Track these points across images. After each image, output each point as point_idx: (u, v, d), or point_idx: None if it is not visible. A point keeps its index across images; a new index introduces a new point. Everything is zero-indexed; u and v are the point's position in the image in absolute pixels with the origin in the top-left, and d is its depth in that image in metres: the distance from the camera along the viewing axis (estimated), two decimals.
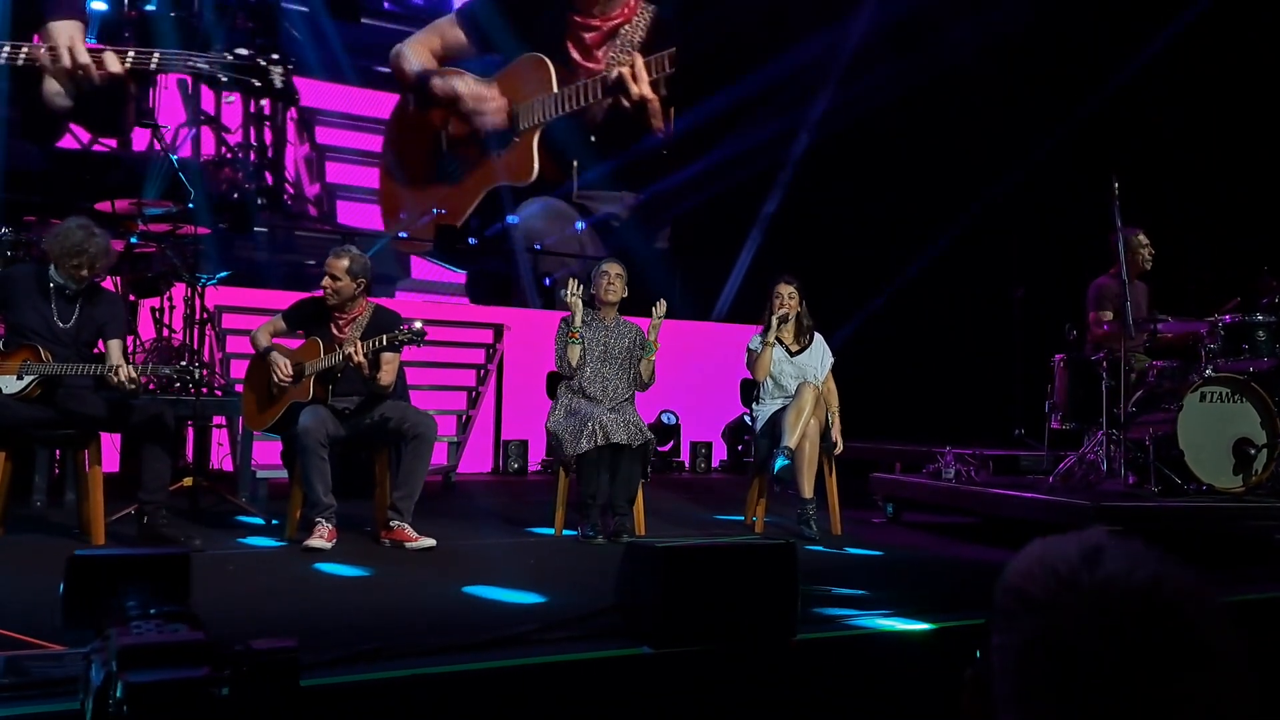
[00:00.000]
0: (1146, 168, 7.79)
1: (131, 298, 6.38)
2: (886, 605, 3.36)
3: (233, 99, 9.61)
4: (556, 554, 4.69)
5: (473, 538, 5.10)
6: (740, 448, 9.27)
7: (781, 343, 5.51)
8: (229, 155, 9.75)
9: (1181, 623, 0.76)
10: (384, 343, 4.51)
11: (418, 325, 4.54)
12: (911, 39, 10.27)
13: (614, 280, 5.31)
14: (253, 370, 4.91)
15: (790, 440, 5.11)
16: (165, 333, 6.47)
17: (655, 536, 4.98)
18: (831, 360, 5.61)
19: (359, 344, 4.51)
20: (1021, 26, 9.36)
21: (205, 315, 6.56)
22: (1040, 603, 0.79)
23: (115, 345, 4.55)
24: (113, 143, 9.16)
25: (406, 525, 4.55)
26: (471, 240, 10.17)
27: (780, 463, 5.10)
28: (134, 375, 4.31)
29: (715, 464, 9.48)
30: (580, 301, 5.17)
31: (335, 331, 4.77)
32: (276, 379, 4.63)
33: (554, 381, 5.33)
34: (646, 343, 5.24)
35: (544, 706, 2.60)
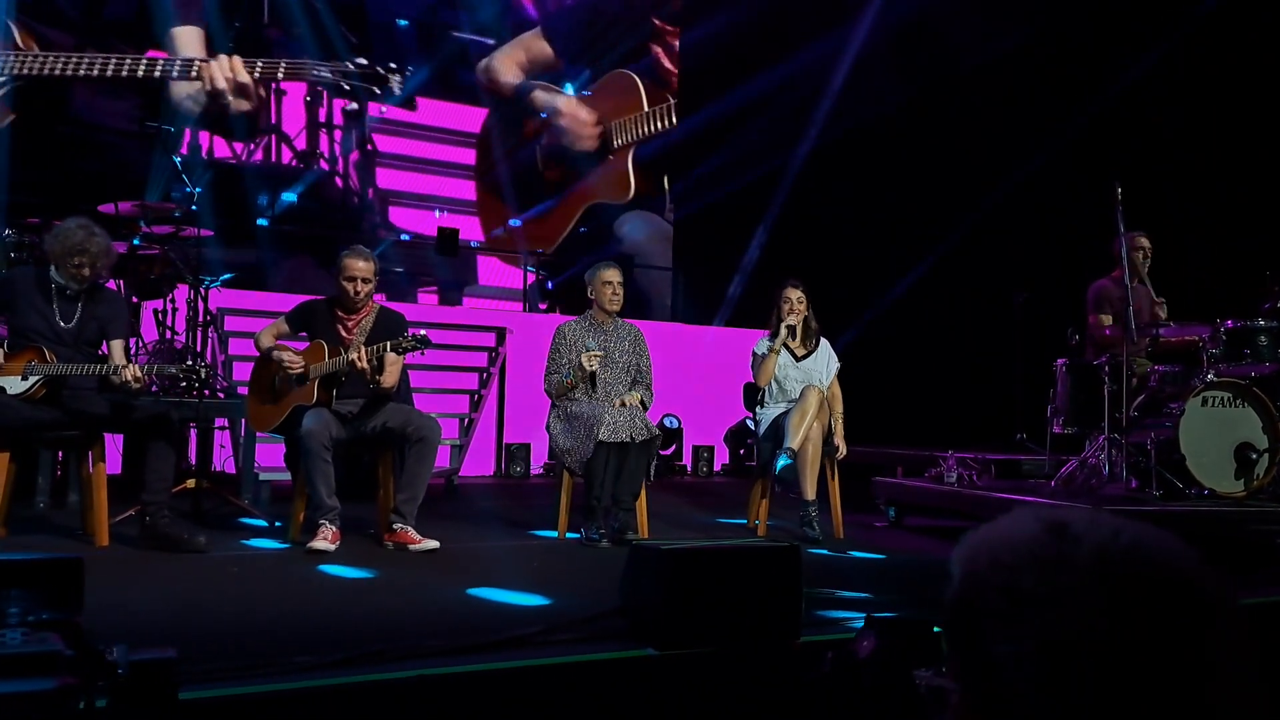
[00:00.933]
0: (1148, 172, 7.80)
1: (134, 299, 6.39)
2: (889, 608, 3.37)
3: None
4: (560, 556, 4.70)
5: (476, 540, 5.11)
6: (742, 451, 9.28)
7: (788, 347, 5.51)
8: (298, 164, 9.94)
9: (1180, 583, 0.74)
10: (388, 348, 4.52)
11: (422, 333, 4.58)
12: (914, 43, 10.29)
13: (617, 290, 5.27)
14: (256, 372, 4.92)
15: (793, 442, 5.11)
16: (168, 335, 6.48)
17: (658, 538, 4.99)
18: (838, 365, 5.62)
19: (363, 350, 4.53)
20: (1023, 31, 9.38)
21: (208, 317, 6.57)
22: (1042, 596, 0.73)
23: (118, 345, 4.56)
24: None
25: (410, 528, 4.56)
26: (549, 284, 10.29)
27: (782, 462, 5.10)
28: (139, 374, 4.32)
29: (717, 468, 9.49)
30: (597, 363, 5.06)
31: (343, 333, 4.79)
32: (287, 368, 4.64)
33: None
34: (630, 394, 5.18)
35: (549, 708, 2.60)
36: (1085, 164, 8.61)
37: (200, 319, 6.40)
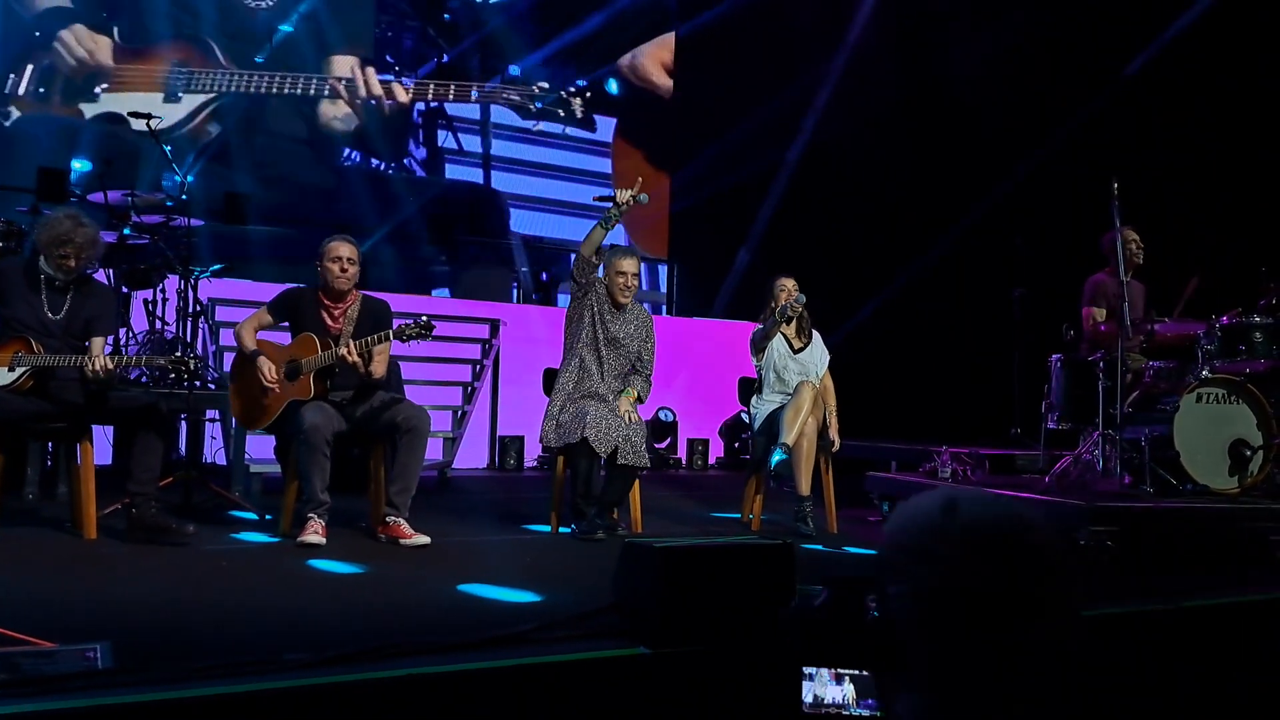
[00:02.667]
0: (1144, 168, 7.79)
1: (124, 289, 6.35)
2: None
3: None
4: (552, 551, 4.67)
5: (468, 534, 5.08)
6: (737, 444, 9.27)
7: (786, 339, 5.50)
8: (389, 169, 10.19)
9: (1027, 545, 0.98)
10: (390, 336, 4.49)
11: (424, 318, 4.53)
12: (912, 41, 10.27)
13: (630, 282, 5.11)
14: (240, 370, 4.84)
15: (788, 437, 5.10)
16: (158, 325, 6.43)
17: (652, 533, 4.97)
18: (828, 358, 5.61)
19: (352, 344, 4.49)
20: (1021, 28, 9.36)
21: (198, 308, 6.52)
22: (921, 552, 0.98)
23: (98, 342, 4.50)
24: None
25: (403, 521, 4.53)
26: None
27: (777, 457, 5.08)
28: (108, 365, 4.26)
29: (712, 461, 9.47)
30: (632, 199, 4.96)
31: (330, 322, 4.74)
32: (264, 383, 4.59)
33: (550, 378, 5.29)
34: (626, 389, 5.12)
35: (541, 707, 2.58)
36: (1082, 161, 8.59)
37: (190, 309, 6.35)
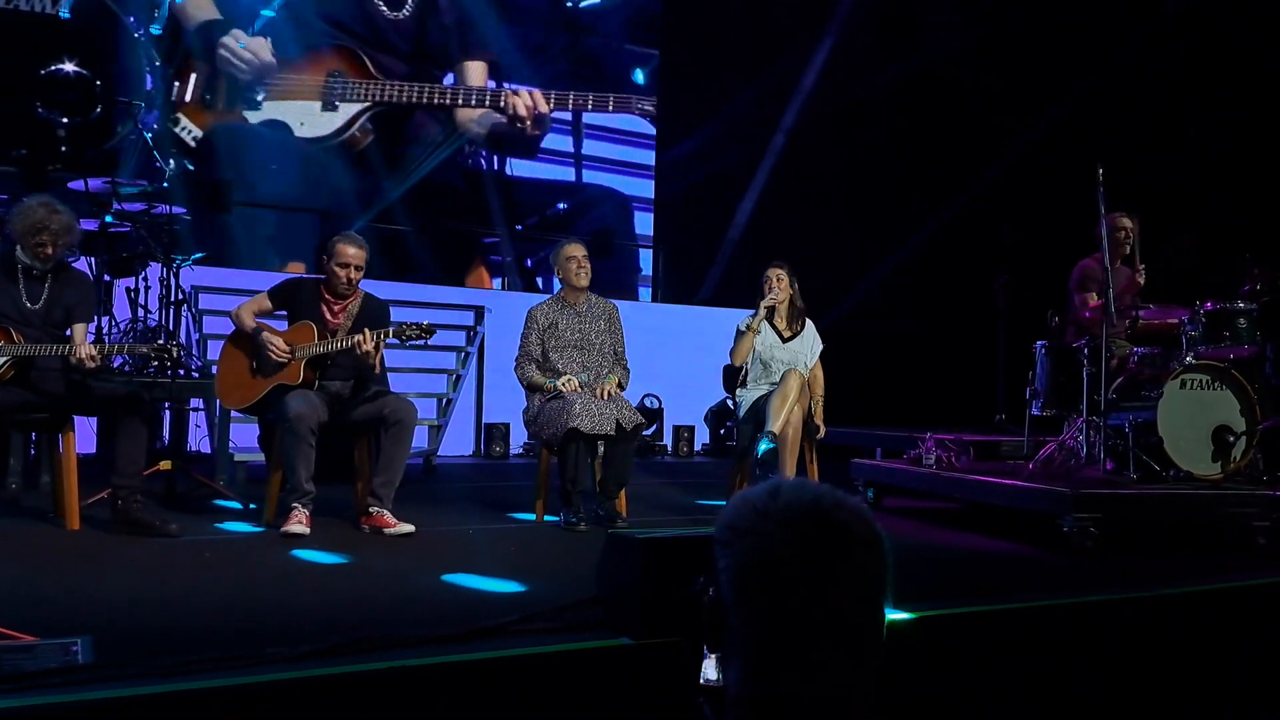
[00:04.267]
0: (1130, 154, 7.80)
1: (106, 277, 6.30)
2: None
3: None
4: (537, 541, 4.66)
5: (453, 523, 5.06)
6: (723, 431, 9.27)
7: (775, 328, 5.49)
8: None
9: (835, 521, 1.10)
10: (390, 335, 4.48)
11: (426, 322, 4.57)
12: (897, 25, 10.24)
13: (582, 264, 5.22)
14: (233, 346, 4.82)
15: (774, 426, 5.10)
16: (141, 313, 6.39)
17: (637, 521, 4.97)
18: (821, 347, 5.61)
19: (368, 333, 4.47)
20: (1007, 13, 9.34)
21: (181, 296, 6.48)
22: (744, 529, 1.12)
23: (80, 329, 4.47)
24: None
25: (386, 511, 4.52)
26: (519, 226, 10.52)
27: (764, 445, 5.09)
28: (93, 353, 4.24)
29: (698, 448, 9.48)
30: (575, 380, 5.05)
31: (329, 317, 4.73)
32: (273, 357, 4.57)
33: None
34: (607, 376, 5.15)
35: (524, 699, 2.57)
36: (1068, 147, 8.60)
37: (173, 297, 6.31)
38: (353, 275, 4.70)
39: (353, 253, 4.70)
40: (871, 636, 1.10)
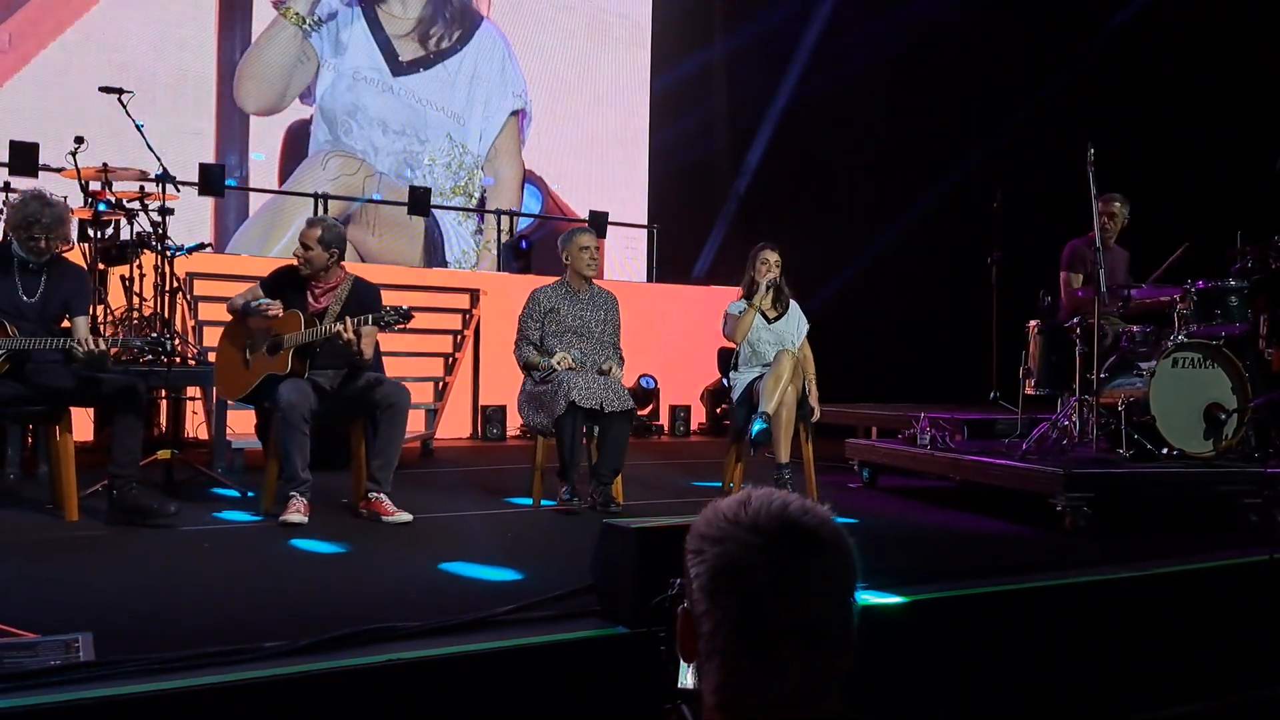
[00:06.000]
0: (1123, 133, 7.79)
1: (100, 266, 6.29)
2: (863, 578, 3.38)
3: None
4: (535, 526, 4.69)
5: (450, 509, 5.09)
6: (720, 410, 9.30)
7: (760, 310, 5.50)
8: None
9: (802, 527, 1.15)
10: (369, 322, 4.49)
11: (404, 307, 4.54)
12: (888, 2, 10.20)
13: (594, 255, 5.24)
14: (228, 336, 4.84)
15: (768, 406, 5.12)
16: (135, 301, 6.38)
17: (633, 504, 5.00)
18: (807, 326, 5.62)
19: (348, 321, 4.48)
20: None
21: (176, 284, 6.47)
22: (715, 538, 1.16)
23: (81, 322, 4.48)
24: None
25: (384, 497, 4.54)
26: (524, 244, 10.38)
27: (758, 426, 5.11)
28: (102, 347, 4.25)
29: (694, 427, 9.52)
30: (568, 357, 5.06)
31: (311, 301, 4.73)
32: (262, 311, 4.60)
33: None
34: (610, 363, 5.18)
35: (521, 689, 2.61)
36: (1061, 125, 8.59)
37: (168, 285, 6.30)
38: (300, 253, 4.69)
39: (304, 231, 4.71)
40: (841, 637, 1.15)
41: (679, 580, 1.24)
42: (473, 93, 10.79)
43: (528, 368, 5.13)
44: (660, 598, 1.45)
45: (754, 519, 1.15)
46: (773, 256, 5.51)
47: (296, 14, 9.85)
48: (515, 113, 11.03)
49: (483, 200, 10.80)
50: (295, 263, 4.74)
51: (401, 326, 4.53)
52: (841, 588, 1.16)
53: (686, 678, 1.39)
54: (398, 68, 10.42)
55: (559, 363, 4.98)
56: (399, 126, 10.37)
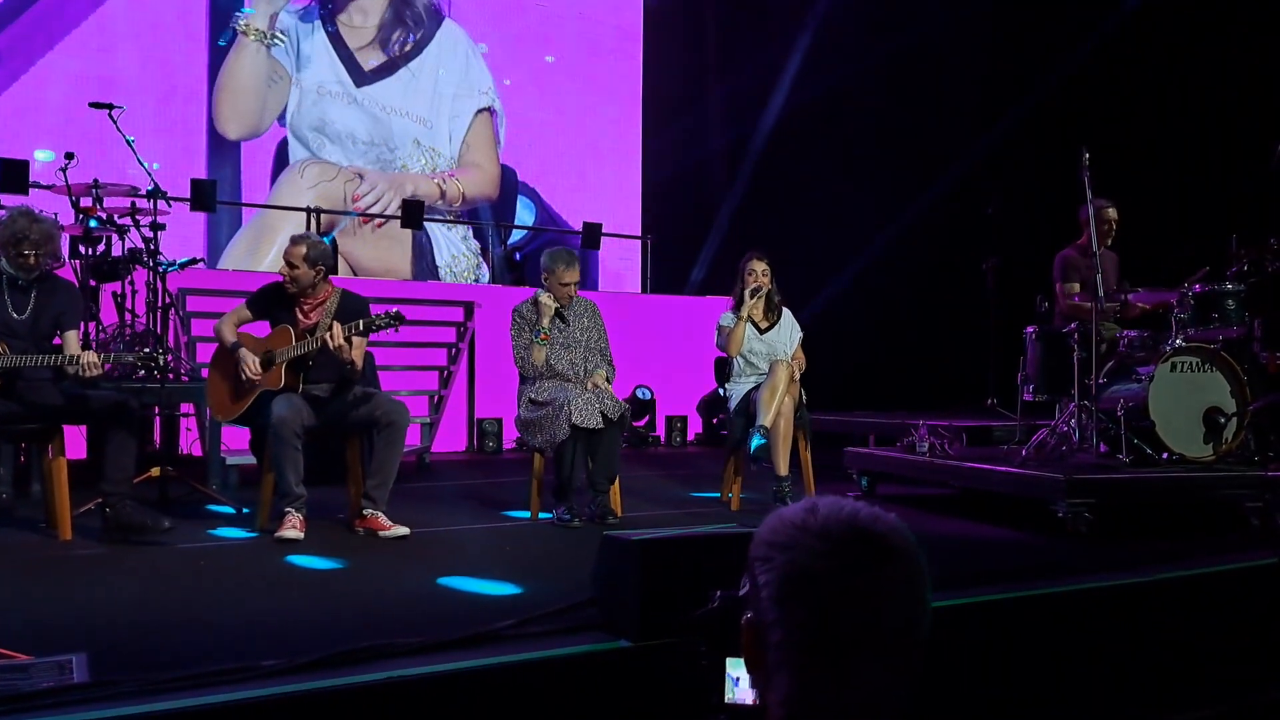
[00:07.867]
0: (1117, 137, 7.80)
1: (92, 283, 6.25)
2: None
3: None
4: (533, 540, 4.65)
5: (447, 523, 5.04)
6: (716, 420, 9.27)
7: (751, 320, 5.48)
8: None
9: (872, 534, 1.12)
10: (360, 328, 4.45)
11: (395, 310, 4.50)
12: (881, 8, 10.21)
13: (574, 293, 5.16)
14: (219, 360, 4.80)
15: (765, 419, 5.10)
16: (128, 318, 6.34)
17: (632, 516, 4.97)
18: (800, 335, 5.60)
19: (336, 326, 4.43)
20: None
21: (168, 299, 6.43)
22: (783, 545, 1.14)
23: (72, 336, 4.45)
24: None
25: (381, 513, 4.51)
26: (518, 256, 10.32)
27: (757, 442, 5.10)
28: (94, 359, 4.21)
29: (691, 437, 9.48)
30: (551, 304, 5.05)
31: (300, 317, 4.69)
32: (245, 377, 4.55)
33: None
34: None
35: (525, 704, 2.57)
36: (1055, 130, 8.59)
37: (160, 301, 6.26)
38: (285, 271, 4.65)
39: (289, 250, 4.67)
40: (911, 647, 1.13)
41: (720, 592, 1.21)
42: (438, 93, 10.69)
43: (538, 357, 5.05)
44: (703, 610, 1.36)
45: (823, 525, 1.13)
46: (760, 265, 5.49)
47: (257, 29, 9.79)
48: (484, 110, 10.93)
49: (475, 212, 10.77)
50: (281, 279, 4.70)
51: (394, 330, 4.49)
52: (912, 595, 1.14)
53: (739, 692, 1.35)
54: (361, 78, 10.29)
55: (545, 331, 4.98)
56: (367, 138, 10.29)
